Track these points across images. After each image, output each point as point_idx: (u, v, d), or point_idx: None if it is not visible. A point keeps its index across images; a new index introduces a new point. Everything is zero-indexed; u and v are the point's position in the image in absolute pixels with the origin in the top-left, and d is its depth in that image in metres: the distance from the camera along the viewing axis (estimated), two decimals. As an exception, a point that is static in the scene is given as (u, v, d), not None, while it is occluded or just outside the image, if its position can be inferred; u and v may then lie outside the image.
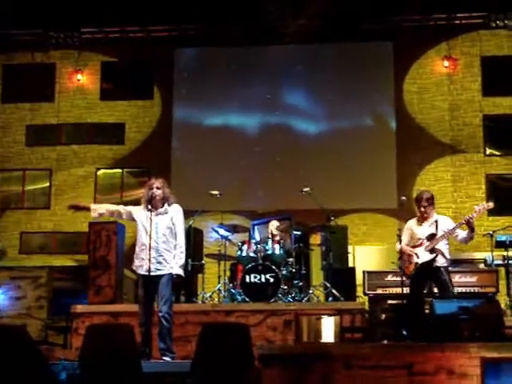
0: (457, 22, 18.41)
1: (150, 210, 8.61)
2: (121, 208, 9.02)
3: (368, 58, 18.63)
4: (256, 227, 13.76)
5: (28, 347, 6.56)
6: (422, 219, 9.79)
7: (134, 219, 8.85)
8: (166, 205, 8.73)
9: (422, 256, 9.56)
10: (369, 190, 17.94)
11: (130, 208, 8.97)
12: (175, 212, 8.80)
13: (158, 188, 8.72)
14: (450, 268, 9.80)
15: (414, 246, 9.67)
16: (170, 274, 8.60)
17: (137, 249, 8.76)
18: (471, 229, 9.55)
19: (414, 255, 9.58)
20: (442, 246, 9.61)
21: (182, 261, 8.79)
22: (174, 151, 19.00)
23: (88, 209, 9.03)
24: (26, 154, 19.36)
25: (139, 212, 8.80)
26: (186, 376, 6.72)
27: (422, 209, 9.71)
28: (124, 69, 19.48)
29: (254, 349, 6.78)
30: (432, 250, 9.53)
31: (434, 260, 9.52)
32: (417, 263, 9.56)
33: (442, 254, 9.57)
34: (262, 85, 18.74)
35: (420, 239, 9.67)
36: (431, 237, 9.58)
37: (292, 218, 13.16)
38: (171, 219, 8.74)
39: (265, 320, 10.58)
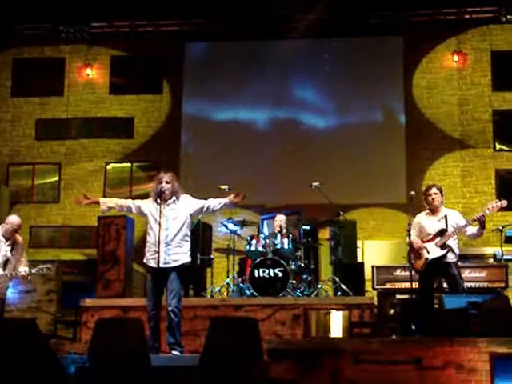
0: (467, 16, 18.35)
1: (160, 204, 8.63)
2: (130, 202, 9.02)
3: (377, 53, 18.60)
4: (265, 222, 13.77)
5: (38, 340, 6.58)
6: (431, 213, 9.77)
7: (143, 213, 8.85)
8: (174, 198, 8.73)
9: (433, 251, 9.54)
10: (378, 184, 17.93)
11: (139, 202, 8.97)
12: (188, 202, 8.82)
13: (167, 182, 8.72)
14: (459, 263, 9.80)
15: (424, 241, 9.65)
16: (180, 267, 8.60)
17: (147, 242, 8.76)
18: (482, 226, 9.53)
19: (425, 250, 9.56)
20: (452, 241, 9.60)
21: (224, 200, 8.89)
22: (183, 145, 19.01)
23: (97, 202, 9.05)
24: (35, 148, 19.40)
25: (149, 205, 8.81)
26: (195, 370, 6.72)
27: (432, 197, 9.68)
28: (133, 63, 19.49)
29: (263, 343, 6.78)
30: (443, 246, 9.51)
31: (444, 256, 9.51)
32: (427, 258, 9.55)
33: (452, 250, 9.55)
34: (271, 79, 18.72)
35: (430, 234, 9.65)
36: (441, 232, 9.56)
37: (301, 213, 13.18)
38: (187, 210, 8.75)
39: (273, 314, 10.60)
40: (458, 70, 18.60)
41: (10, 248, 10.17)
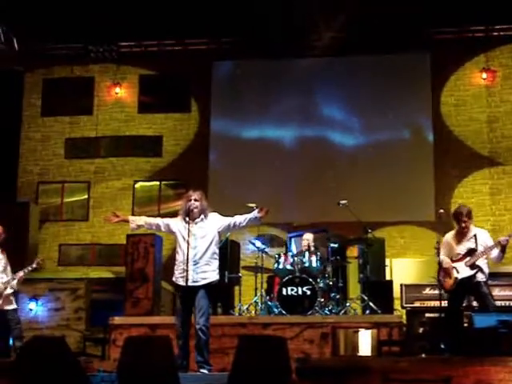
0: (495, 33, 18.28)
1: (188, 222, 8.66)
2: (159, 220, 9.06)
3: (405, 70, 18.56)
4: (293, 240, 13.77)
5: (67, 358, 6.61)
6: (461, 234, 9.73)
7: (172, 231, 8.89)
8: (202, 216, 8.76)
9: (463, 271, 9.50)
10: (406, 202, 17.84)
11: (168, 220, 9.00)
12: (216, 219, 8.86)
13: (196, 200, 8.75)
14: (488, 282, 9.74)
15: (453, 261, 9.61)
16: (209, 285, 8.62)
17: (176, 260, 8.79)
18: (502, 250, 9.50)
19: (454, 270, 9.52)
20: (481, 261, 9.55)
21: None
22: (211, 163, 19.06)
23: (126, 220, 9.09)
24: (64, 167, 19.53)
25: (177, 223, 8.84)
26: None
27: (463, 224, 9.64)
28: (162, 82, 19.59)
29: (291, 362, 6.77)
30: (472, 266, 9.46)
31: (474, 275, 9.47)
32: (457, 278, 9.50)
33: (482, 269, 9.51)
34: (298, 97, 18.73)
35: (459, 254, 9.61)
36: (471, 252, 9.52)
37: (328, 231, 13.16)
38: (215, 228, 8.79)
39: (302, 333, 10.58)
40: (487, 88, 18.50)
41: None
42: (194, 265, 8.56)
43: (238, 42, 18.69)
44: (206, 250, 8.67)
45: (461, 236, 9.71)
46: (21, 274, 10.76)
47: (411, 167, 18.12)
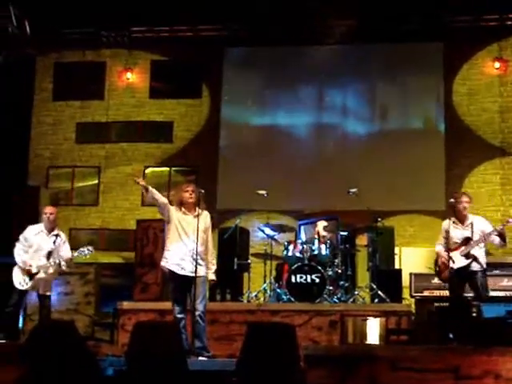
0: (508, 22, 18.16)
1: (186, 214, 8.85)
2: (166, 201, 9.17)
3: (417, 59, 18.45)
4: (302, 227, 13.78)
5: (76, 342, 6.64)
6: (458, 220, 9.73)
7: (170, 218, 9.03)
8: (197, 209, 8.92)
9: (458, 261, 9.51)
10: (416, 191, 17.79)
11: (170, 206, 9.12)
12: (207, 218, 9.12)
13: (193, 191, 8.95)
14: (486, 271, 9.73)
15: (450, 250, 9.60)
16: (205, 274, 8.90)
17: (172, 248, 8.92)
18: (502, 238, 9.50)
19: (450, 260, 9.53)
20: (478, 250, 9.54)
21: (215, 266, 9.15)
22: (222, 150, 19.03)
23: (147, 189, 9.09)
24: (75, 152, 19.54)
25: (176, 213, 8.99)
26: (232, 375, 6.74)
27: (466, 205, 9.66)
28: (173, 67, 19.55)
29: (300, 349, 6.78)
30: (467, 255, 9.47)
31: (469, 265, 9.48)
32: (452, 268, 9.51)
33: (477, 259, 9.51)
34: (310, 85, 18.69)
35: (456, 242, 9.62)
36: (466, 241, 9.53)
37: (339, 219, 13.16)
38: (205, 224, 8.95)
39: (310, 320, 10.61)
40: (499, 77, 18.39)
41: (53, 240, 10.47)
42: (192, 256, 8.72)
43: (250, 28, 18.63)
44: (202, 243, 8.89)
45: (458, 224, 9.70)
46: (65, 257, 10.64)
47: (422, 156, 18.04)
